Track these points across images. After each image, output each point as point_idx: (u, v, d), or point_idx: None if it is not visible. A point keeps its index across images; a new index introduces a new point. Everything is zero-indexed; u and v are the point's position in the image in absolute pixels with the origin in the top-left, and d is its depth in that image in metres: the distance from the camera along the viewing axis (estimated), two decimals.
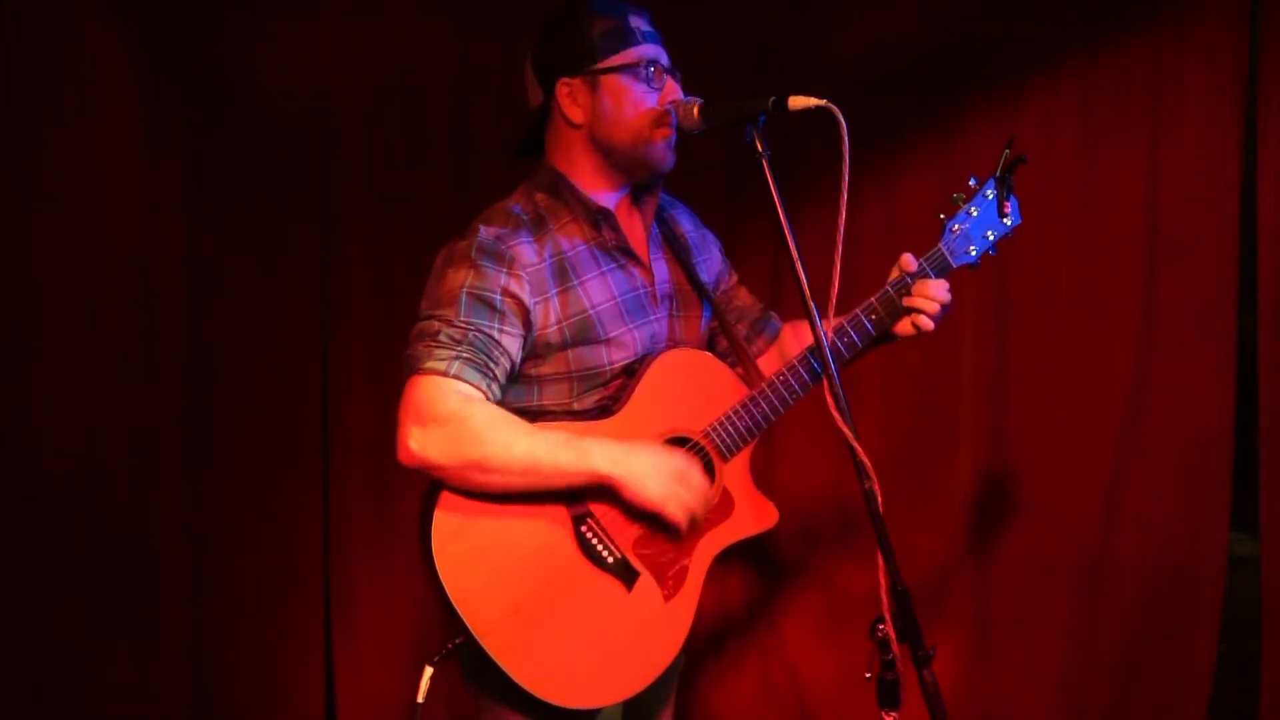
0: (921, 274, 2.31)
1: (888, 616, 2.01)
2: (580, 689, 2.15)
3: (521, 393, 2.23)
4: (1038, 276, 3.53)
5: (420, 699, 2.14)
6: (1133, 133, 3.47)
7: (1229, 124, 3.42)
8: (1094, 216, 3.51)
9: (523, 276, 2.17)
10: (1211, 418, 3.48)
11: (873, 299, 2.31)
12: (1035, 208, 3.37)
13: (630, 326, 2.27)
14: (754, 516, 2.32)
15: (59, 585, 3.60)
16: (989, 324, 3.58)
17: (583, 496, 2.16)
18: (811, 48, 3.59)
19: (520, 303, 2.17)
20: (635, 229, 2.35)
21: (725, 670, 3.74)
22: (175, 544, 3.69)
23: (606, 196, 2.30)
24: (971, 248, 2.33)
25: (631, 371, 2.26)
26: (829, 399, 2.06)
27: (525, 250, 2.19)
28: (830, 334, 2.17)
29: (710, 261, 2.50)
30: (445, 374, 2.10)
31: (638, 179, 2.32)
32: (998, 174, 2.33)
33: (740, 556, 3.67)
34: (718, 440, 2.28)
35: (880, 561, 2.02)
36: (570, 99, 2.26)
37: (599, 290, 2.25)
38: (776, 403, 2.29)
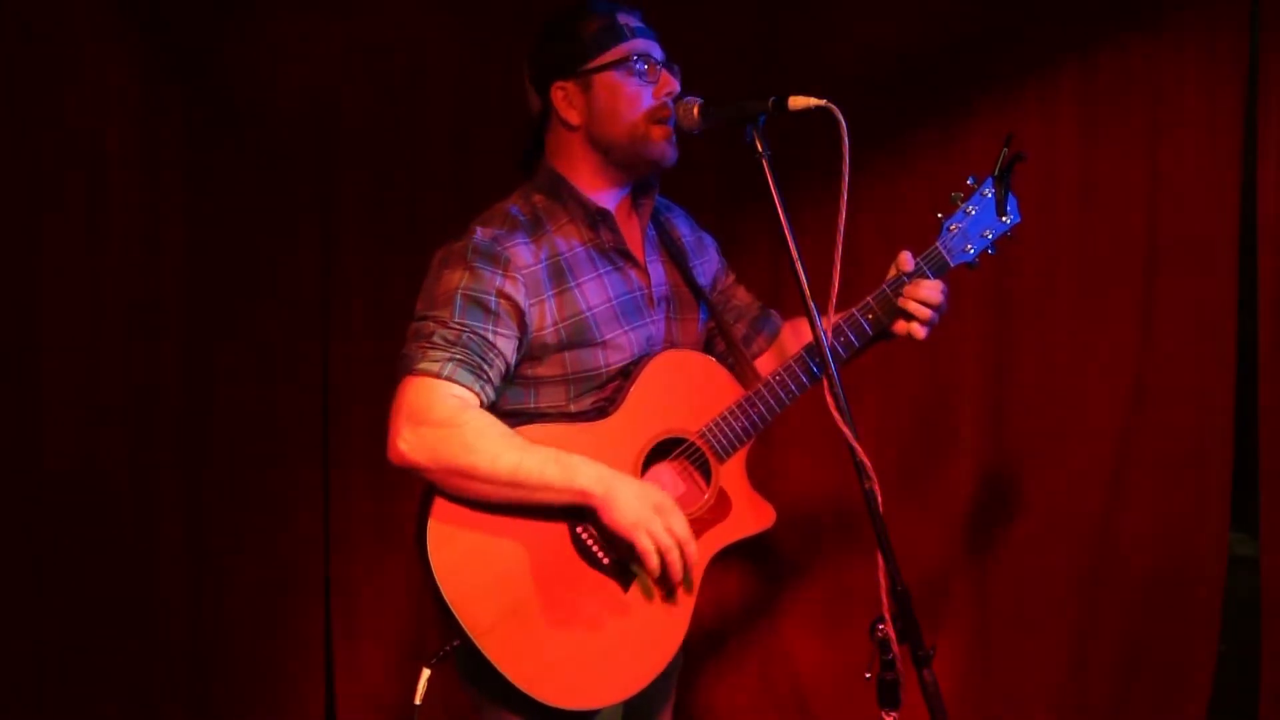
0: (919, 273, 2.31)
1: (888, 616, 2.01)
2: (578, 690, 2.15)
3: (518, 394, 2.23)
4: (1038, 276, 3.53)
5: (418, 701, 2.14)
6: (1133, 133, 3.47)
7: (1229, 124, 3.42)
8: (1094, 216, 3.51)
9: (518, 278, 2.17)
10: (1211, 418, 3.48)
11: (870, 299, 2.31)
12: (1035, 207, 3.37)
13: (626, 329, 2.27)
14: (751, 517, 2.32)
15: (59, 585, 3.60)
16: (989, 324, 3.58)
17: None
18: (811, 48, 3.59)
19: (515, 305, 2.17)
20: (633, 231, 2.35)
21: (725, 670, 3.74)
22: (175, 544, 3.69)
23: (606, 197, 2.30)
24: (969, 246, 2.33)
25: (628, 373, 2.26)
26: (829, 399, 2.06)
27: (521, 252, 2.19)
28: (829, 334, 2.17)
29: (707, 264, 2.50)
30: (438, 375, 2.11)
31: (639, 176, 2.32)
32: (996, 173, 2.33)
33: (741, 556, 3.67)
34: (714, 441, 2.28)
35: (880, 561, 2.02)
36: (566, 101, 2.26)
37: (595, 292, 2.25)
38: (773, 403, 2.29)
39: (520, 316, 2.17)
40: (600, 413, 2.24)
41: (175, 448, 3.68)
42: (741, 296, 2.57)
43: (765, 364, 2.49)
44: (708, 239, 2.54)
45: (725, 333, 2.45)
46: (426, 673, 2.14)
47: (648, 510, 2.13)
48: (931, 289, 2.30)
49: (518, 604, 2.12)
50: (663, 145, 2.25)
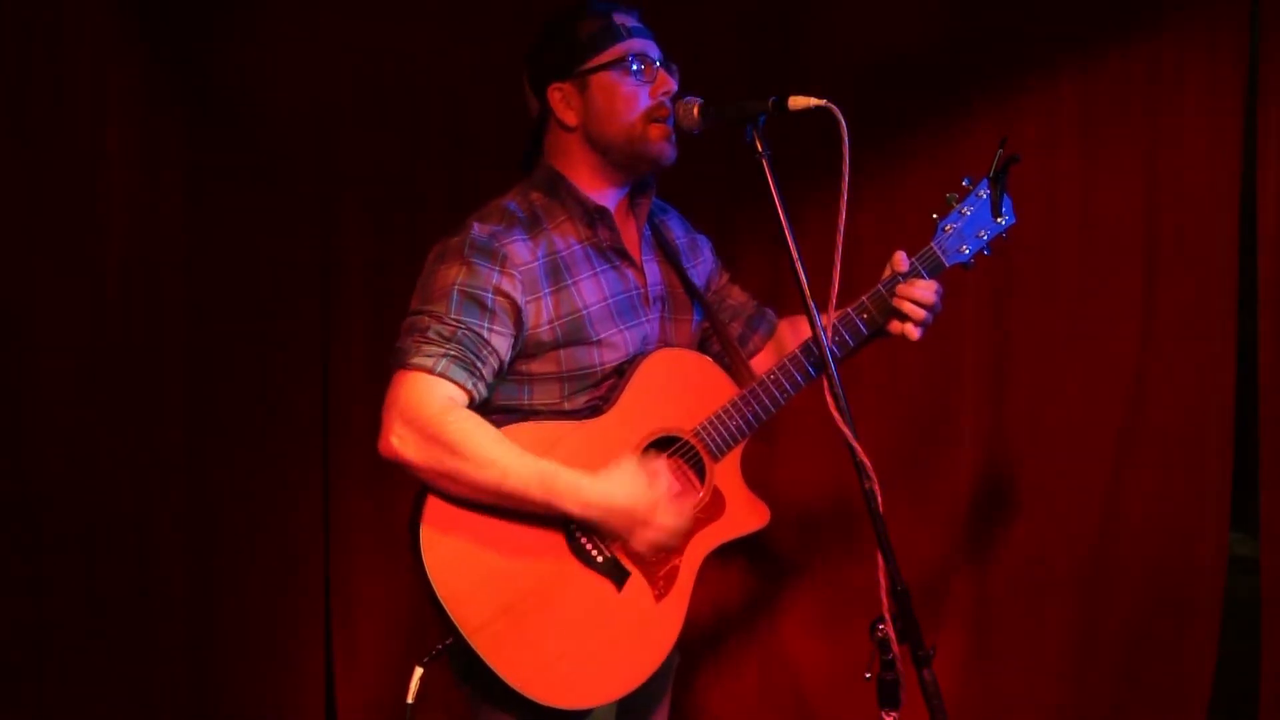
0: (914, 273, 2.32)
1: (888, 616, 2.01)
2: (571, 689, 2.15)
3: (512, 391, 2.23)
4: (1037, 276, 3.53)
5: (410, 700, 2.15)
6: (1133, 133, 3.47)
7: (1229, 124, 3.42)
8: (1094, 216, 3.51)
9: (515, 275, 2.18)
10: (1211, 418, 3.47)
11: (865, 298, 2.32)
12: (1035, 207, 3.39)
13: (622, 328, 2.27)
14: (746, 516, 2.32)
15: (59, 585, 3.60)
16: (988, 323, 3.58)
17: None
18: (812, 47, 3.59)
19: (512, 301, 2.17)
20: (630, 230, 2.35)
21: (724, 670, 3.74)
22: (175, 544, 3.69)
23: (604, 197, 2.30)
24: (964, 247, 2.34)
25: (622, 372, 2.27)
26: (829, 399, 2.07)
27: (519, 248, 2.20)
28: (828, 334, 2.17)
29: (702, 265, 2.51)
30: (432, 371, 2.11)
31: (638, 176, 2.32)
32: (991, 174, 2.34)
33: (740, 555, 3.68)
34: (708, 439, 2.28)
35: (880, 561, 2.02)
36: (563, 102, 2.26)
37: (592, 290, 2.25)
38: (768, 402, 2.29)
39: (516, 313, 2.18)
40: (594, 411, 2.24)
41: (175, 447, 3.68)
42: (736, 295, 2.57)
43: (762, 362, 2.49)
44: (702, 240, 2.54)
45: (720, 332, 2.45)
46: (419, 671, 2.14)
47: (638, 528, 2.16)
48: (926, 289, 2.30)
49: (511, 602, 2.12)
50: (661, 144, 2.25)
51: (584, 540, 2.18)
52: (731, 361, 2.41)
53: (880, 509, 2.02)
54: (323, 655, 3.79)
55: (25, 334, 3.56)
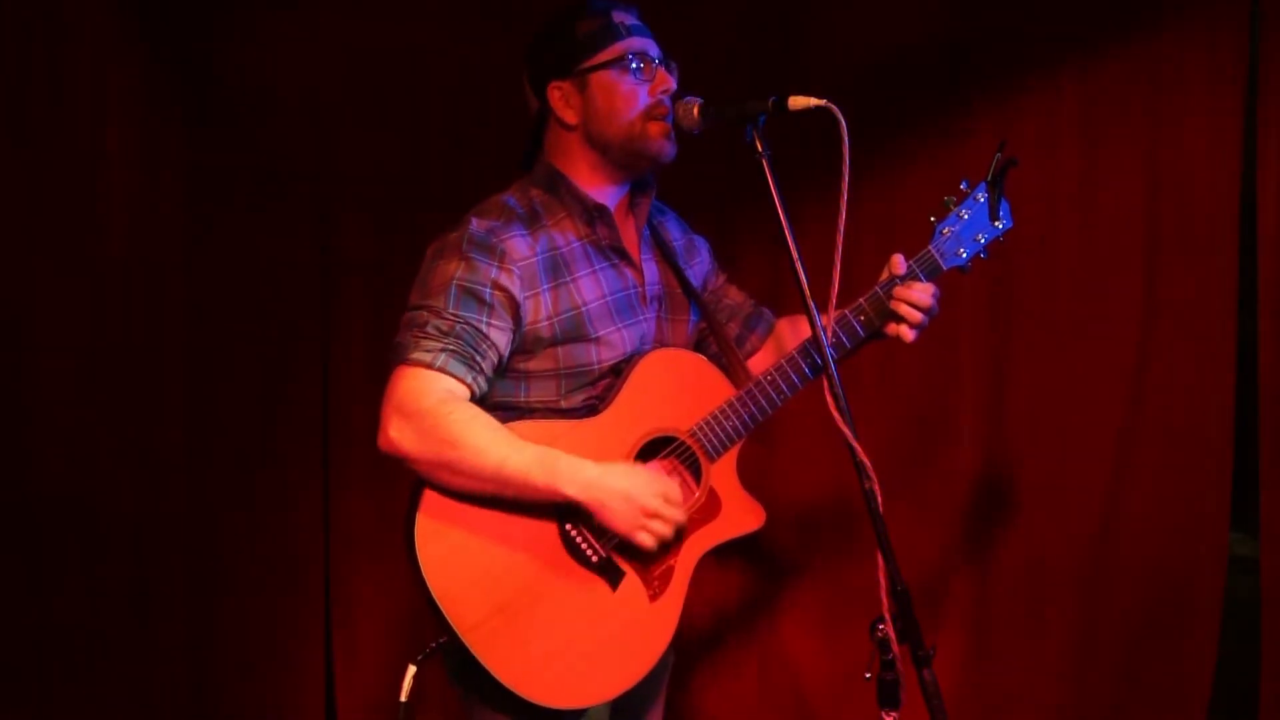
0: (911, 275, 2.32)
1: (888, 616, 2.01)
2: (564, 689, 2.15)
3: (509, 388, 2.23)
4: (1037, 276, 3.53)
5: (404, 698, 2.15)
6: (1133, 133, 3.47)
7: (1229, 123, 3.42)
8: (1094, 216, 3.51)
9: (514, 270, 2.18)
10: (1211, 418, 3.47)
11: (862, 300, 2.32)
12: (1035, 207, 3.39)
13: (620, 326, 2.27)
14: (741, 517, 2.32)
15: (58, 585, 3.60)
16: (988, 323, 3.58)
17: None
18: (812, 47, 3.59)
19: (510, 296, 2.17)
20: (629, 229, 2.35)
21: (723, 670, 3.74)
22: (175, 544, 3.69)
23: (604, 195, 2.30)
24: (961, 250, 2.35)
25: (619, 371, 2.27)
26: (829, 399, 2.07)
27: (518, 244, 2.20)
28: (827, 335, 2.17)
29: (699, 266, 2.51)
30: (430, 366, 2.11)
31: (638, 174, 2.32)
32: (989, 177, 2.34)
33: (739, 555, 3.68)
34: (704, 440, 2.28)
35: (880, 561, 2.02)
36: (563, 101, 2.26)
37: (590, 288, 2.25)
38: (764, 403, 2.29)
39: (515, 309, 2.18)
40: (591, 410, 2.24)
41: (175, 447, 3.68)
42: (733, 296, 2.57)
43: (759, 362, 2.49)
44: (699, 241, 2.54)
45: (718, 332, 2.45)
46: (412, 669, 2.14)
47: (640, 516, 2.14)
48: (923, 292, 2.31)
49: (505, 600, 2.12)
50: (660, 142, 2.25)
51: (579, 540, 2.18)
52: (728, 362, 2.41)
53: (880, 509, 2.03)
54: (323, 655, 3.79)
55: (25, 334, 3.56)
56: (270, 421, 3.72)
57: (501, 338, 2.17)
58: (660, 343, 2.36)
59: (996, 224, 2.35)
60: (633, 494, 2.14)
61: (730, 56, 3.57)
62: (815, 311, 2.10)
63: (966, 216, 2.34)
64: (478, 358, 2.14)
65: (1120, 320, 3.51)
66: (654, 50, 2.28)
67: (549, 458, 2.12)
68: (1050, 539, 3.57)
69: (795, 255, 2.09)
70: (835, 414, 2.06)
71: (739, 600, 3.75)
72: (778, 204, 2.10)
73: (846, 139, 2.04)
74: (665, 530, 2.16)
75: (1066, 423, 3.54)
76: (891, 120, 3.56)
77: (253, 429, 3.71)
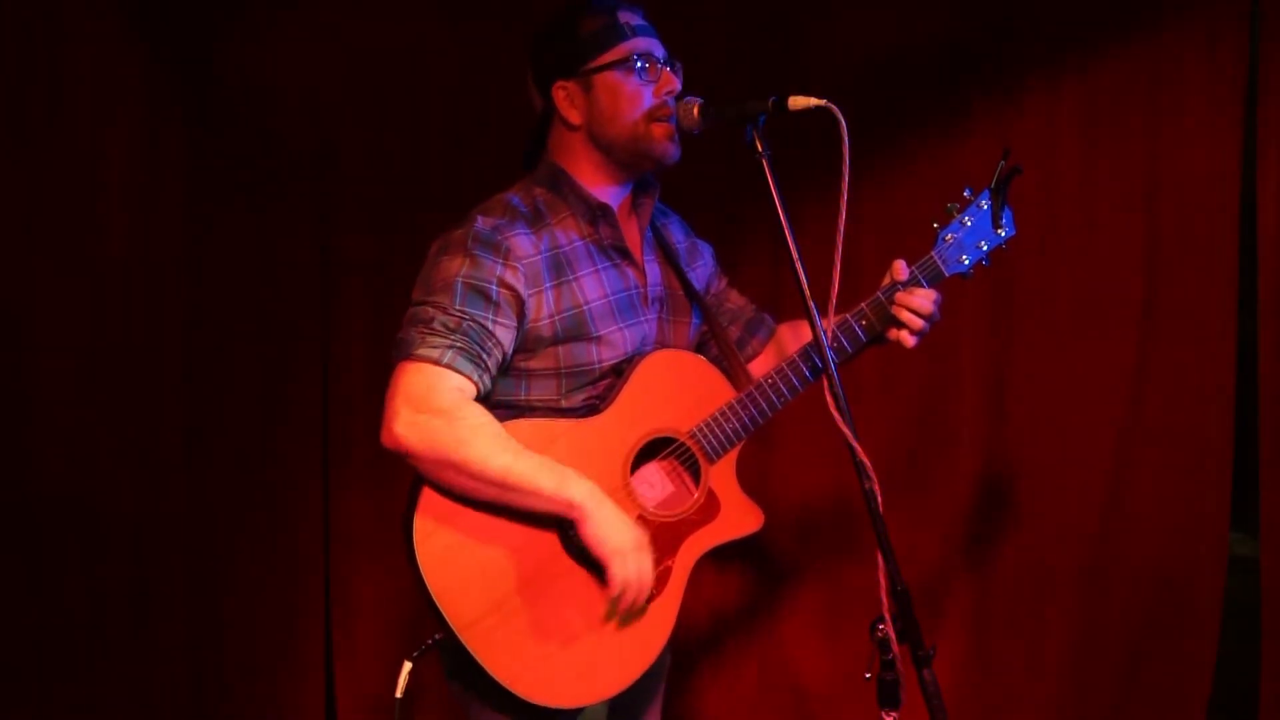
0: (913, 281, 2.32)
1: (888, 617, 2.01)
2: (561, 687, 2.15)
3: (509, 386, 2.23)
4: (1038, 276, 3.53)
5: (399, 694, 2.15)
6: (1133, 133, 3.47)
7: (1229, 123, 3.42)
8: (1094, 217, 3.51)
9: (518, 268, 2.18)
10: (1211, 417, 3.47)
11: (864, 305, 2.32)
12: (1035, 208, 3.39)
13: (621, 326, 2.27)
14: (739, 519, 2.32)
15: (58, 585, 3.60)
16: (989, 324, 3.58)
17: None
18: (812, 47, 3.59)
19: (515, 294, 2.17)
20: (632, 230, 2.35)
21: (723, 670, 3.74)
22: (175, 544, 3.69)
23: (607, 195, 2.30)
24: (964, 257, 2.35)
25: (620, 371, 2.27)
26: (829, 399, 2.07)
27: (522, 242, 2.20)
28: (828, 337, 2.17)
29: (701, 269, 2.51)
30: (438, 363, 2.10)
31: (641, 174, 2.33)
32: (993, 185, 2.34)
33: (739, 555, 3.67)
34: (704, 441, 2.28)
35: (880, 562, 2.02)
36: (567, 101, 2.26)
37: (593, 287, 2.25)
38: (765, 406, 2.29)
39: (520, 306, 2.18)
40: (591, 409, 2.24)
41: (175, 447, 3.68)
42: (735, 300, 2.57)
43: (761, 365, 2.49)
44: (702, 245, 2.54)
45: (719, 335, 2.45)
46: (408, 666, 2.14)
47: (631, 543, 2.14)
48: (924, 298, 2.31)
49: (503, 598, 2.11)
50: (664, 143, 2.25)
51: (578, 538, 2.18)
52: (729, 365, 2.41)
53: (880, 509, 2.03)
54: (323, 655, 3.79)
55: (25, 334, 3.56)
56: (270, 421, 3.71)
57: (507, 336, 2.17)
58: (662, 344, 2.36)
59: (999, 231, 2.35)
60: (631, 527, 2.15)
61: (730, 56, 3.57)
62: (815, 312, 2.10)
63: (970, 223, 2.34)
64: (484, 355, 2.14)
65: (1120, 320, 3.51)
66: (659, 51, 2.27)
67: (557, 465, 2.13)
68: (1050, 539, 3.57)
69: (795, 255, 2.09)
70: (835, 414, 2.06)
71: (739, 601, 3.75)
72: (778, 204, 2.10)
73: (846, 139, 2.04)
74: (637, 576, 2.15)
75: (1066, 423, 3.54)
76: (891, 120, 3.56)
77: (253, 429, 3.71)
